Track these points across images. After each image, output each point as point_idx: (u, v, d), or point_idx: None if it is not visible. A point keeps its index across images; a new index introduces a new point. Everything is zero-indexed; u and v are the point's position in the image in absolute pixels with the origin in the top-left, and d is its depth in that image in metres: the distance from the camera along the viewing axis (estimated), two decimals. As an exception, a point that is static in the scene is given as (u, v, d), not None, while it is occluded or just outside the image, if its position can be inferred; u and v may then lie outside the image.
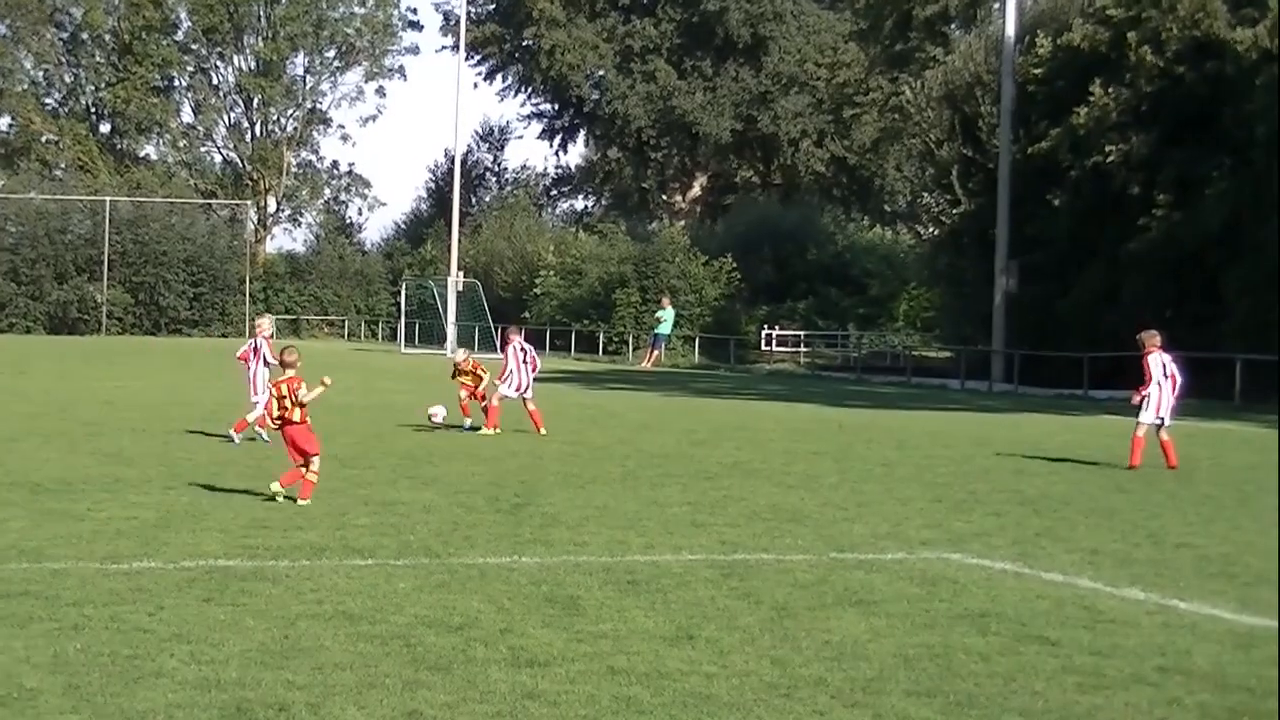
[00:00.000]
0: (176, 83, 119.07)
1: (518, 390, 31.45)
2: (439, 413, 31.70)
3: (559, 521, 18.38)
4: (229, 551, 15.73)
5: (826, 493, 22.11)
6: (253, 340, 29.62)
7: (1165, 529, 18.99)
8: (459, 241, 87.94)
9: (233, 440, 27.40)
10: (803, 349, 78.39)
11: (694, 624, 12.87)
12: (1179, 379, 27.38)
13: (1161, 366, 27.07)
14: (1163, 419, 27.04)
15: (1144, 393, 26.93)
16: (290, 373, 20.21)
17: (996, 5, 72.55)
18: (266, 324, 30.76)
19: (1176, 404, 27.64)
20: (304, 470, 19.66)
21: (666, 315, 72.25)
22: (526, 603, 13.55)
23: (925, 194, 68.96)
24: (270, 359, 27.88)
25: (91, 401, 37.11)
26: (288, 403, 19.81)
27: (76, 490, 20.24)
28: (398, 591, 13.91)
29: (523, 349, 31.67)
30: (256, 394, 28.04)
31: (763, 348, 77.38)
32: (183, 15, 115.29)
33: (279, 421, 20.09)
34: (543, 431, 30.67)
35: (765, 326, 78.84)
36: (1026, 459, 28.29)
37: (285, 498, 19.39)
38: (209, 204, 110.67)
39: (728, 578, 14.85)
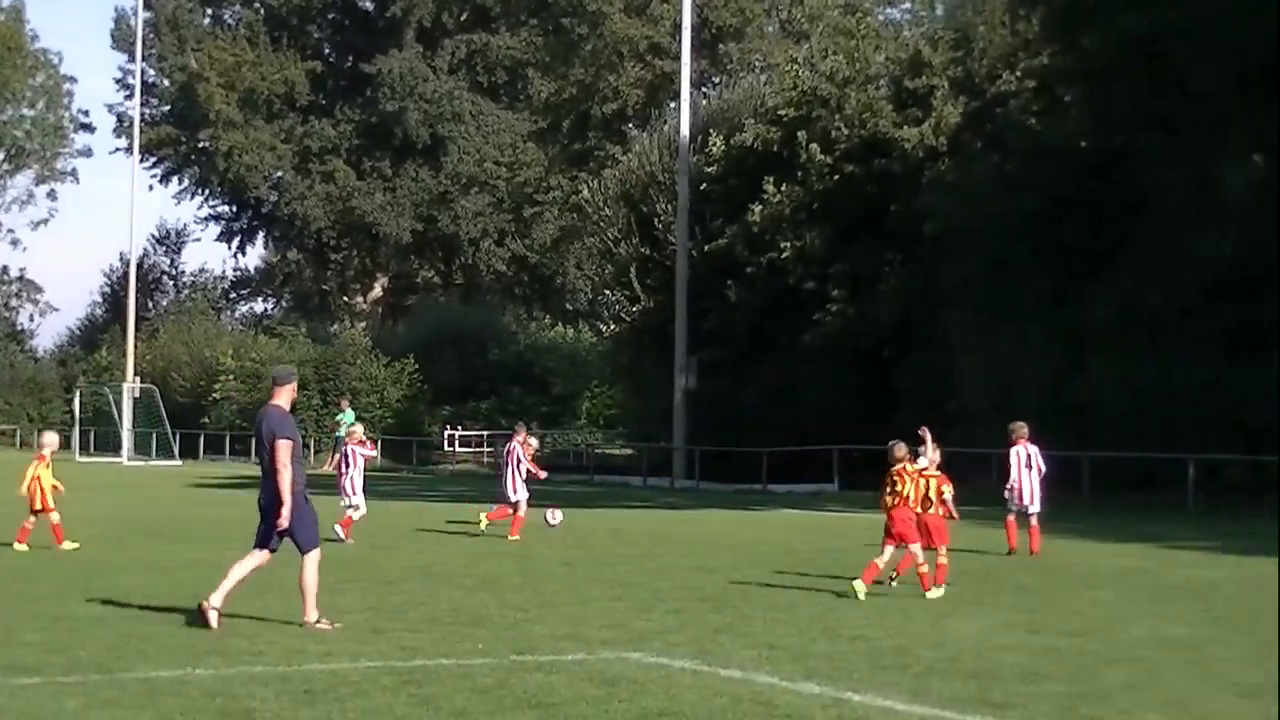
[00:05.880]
0: None
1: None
2: (557, 515, 31.72)
3: (235, 631, 18.02)
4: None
5: (509, 594, 22.02)
6: (346, 447, 31.27)
7: (841, 623, 19.23)
8: (135, 347, 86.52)
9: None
10: (486, 449, 78.28)
11: (370, 734, 12.70)
12: (1044, 469, 28.76)
13: (1026, 458, 28.53)
14: (1027, 508, 28.40)
15: (1008, 485, 28.57)
16: (911, 466, 21.58)
17: (672, 104, 73.60)
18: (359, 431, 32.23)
19: (1043, 493, 28.92)
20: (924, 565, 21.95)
21: (346, 418, 71.55)
22: (199, 717, 13.24)
23: (606, 292, 69.53)
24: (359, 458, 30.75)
25: None
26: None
27: None
28: (65, 710, 13.47)
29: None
30: (355, 494, 30.68)
31: (446, 448, 77.20)
32: None
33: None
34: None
35: (449, 427, 78.70)
36: (707, 555, 28.51)
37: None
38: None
39: (406, 684, 14.67)
